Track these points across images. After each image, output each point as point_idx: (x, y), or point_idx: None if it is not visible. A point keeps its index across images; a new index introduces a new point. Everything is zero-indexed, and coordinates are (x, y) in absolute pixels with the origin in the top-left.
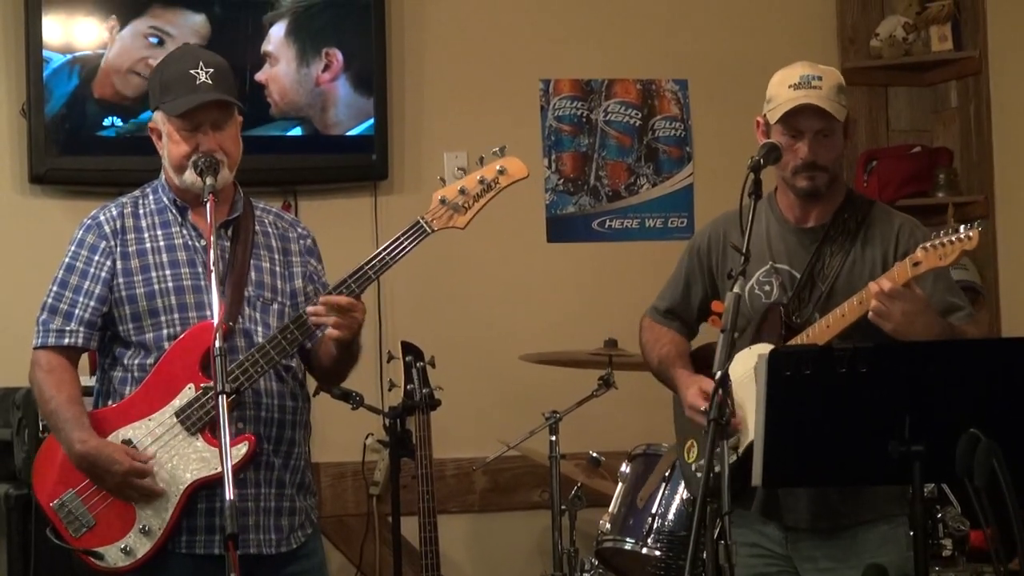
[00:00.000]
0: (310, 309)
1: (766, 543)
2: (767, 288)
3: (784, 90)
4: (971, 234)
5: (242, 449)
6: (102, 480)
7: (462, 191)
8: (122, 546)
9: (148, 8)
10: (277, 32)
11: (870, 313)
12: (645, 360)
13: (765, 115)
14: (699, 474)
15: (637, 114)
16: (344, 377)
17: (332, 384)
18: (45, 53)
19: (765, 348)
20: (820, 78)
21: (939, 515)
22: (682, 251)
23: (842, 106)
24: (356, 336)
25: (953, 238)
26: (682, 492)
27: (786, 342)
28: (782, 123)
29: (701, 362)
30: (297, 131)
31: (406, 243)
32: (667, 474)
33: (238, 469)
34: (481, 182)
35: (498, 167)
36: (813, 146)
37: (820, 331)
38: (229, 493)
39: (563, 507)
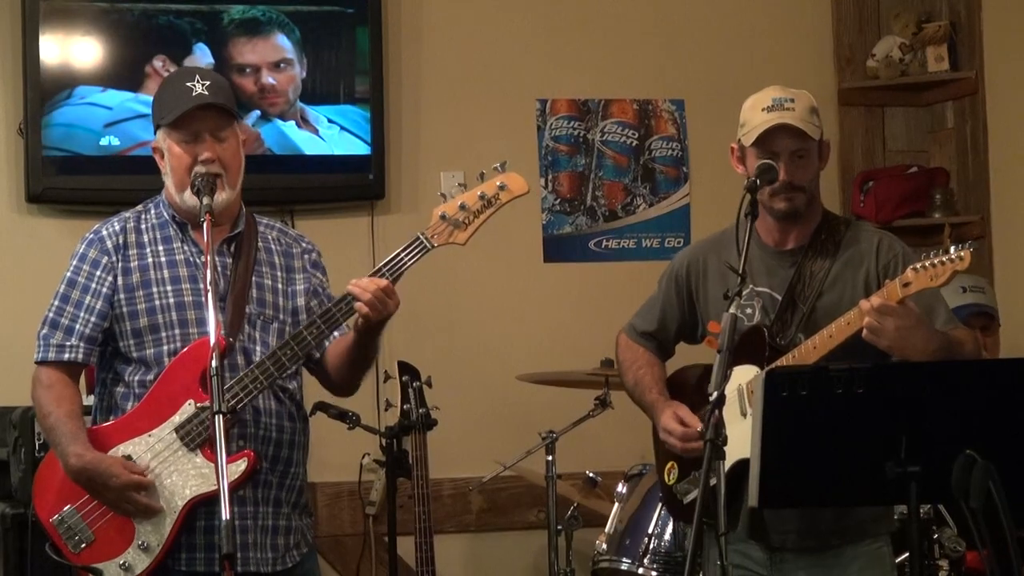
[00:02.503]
0: (353, 281)
1: (750, 564)
2: (748, 311)
3: (757, 114)
4: (963, 255)
5: (241, 466)
6: (100, 494)
7: (462, 207)
8: (121, 562)
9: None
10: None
11: (864, 331)
12: (620, 378)
13: (739, 140)
14: (679, 496)
15: (634, 134)
16: (356, 385)
17: (345, 395)
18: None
19: (748, 370)
20: (792, 100)
21: (935, 536)
22: (660, 274)
23: (816, 126)
24: (380, 328)
25: (944, 259)
26: None
27: (770, 364)
28: (757, 146)
29: (676, 388)
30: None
31: (406, 259)
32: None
33: (237, 485)
34: (481, 198)
35: (498, 183)
36: (790, 167)
37: (807, 352)
38: (225, 513)
39: (559, 527)
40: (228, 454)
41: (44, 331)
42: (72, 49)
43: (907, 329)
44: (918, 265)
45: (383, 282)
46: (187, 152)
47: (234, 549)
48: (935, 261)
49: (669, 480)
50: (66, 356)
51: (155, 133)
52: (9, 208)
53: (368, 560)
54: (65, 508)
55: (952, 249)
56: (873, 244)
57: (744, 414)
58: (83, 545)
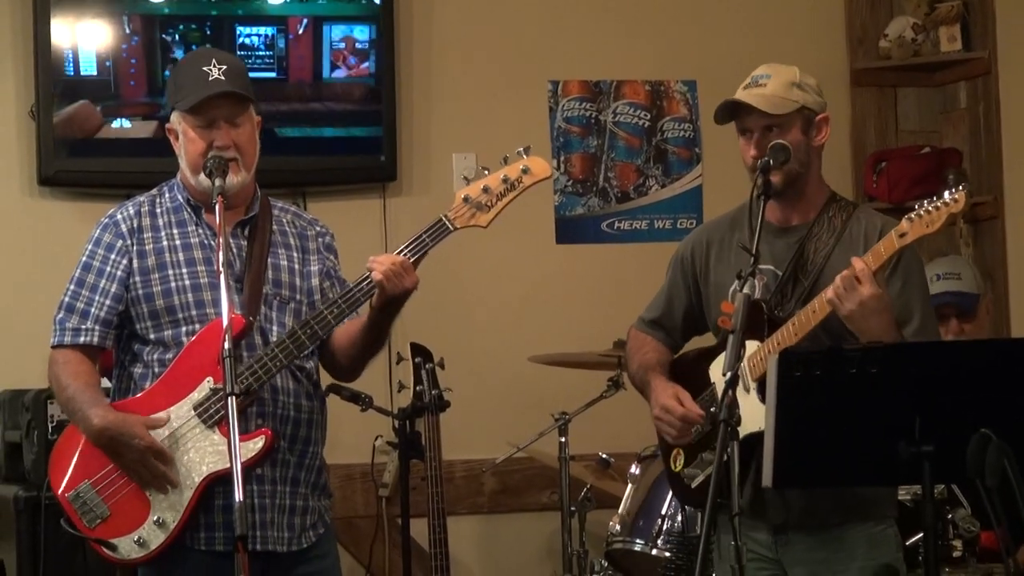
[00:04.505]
0: (372, 257)
1: (756, 547)
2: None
3: (738, 92)
4: (957, 196)
5: (259, 443)
6: (120, 455)
7: (485, 190)
8: (135, 538)
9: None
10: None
11: (830, 290)
12: (627, 368)
13: None
14: (687, 481)
15: (646, 115)
16: (360, 369)
17: (348, 379)
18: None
19: (749, 345)
20: (769, 76)
21: (949, 516)
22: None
23: (792, 100)
24: (397, 307)
25: (939, 203)
26: None
27: (769, 336)
28: (736, 124)
29: (680, 369)
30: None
31: (428, 240)
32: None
33: (254, 463)
34: (504, 181)
35: (521, 167)
36: (761, 143)
37: (806, 317)
38: (239, 493)
39: (572, 508)
40: (246, 432)
41: (60, 315)
42: (84, 30)
43: (870, 311)
44: (912, 215)
45: (400, 258)
46: (202, 137)
47: (247, 530)
48: (929, 207)
49: (676, 467)
50: (82, 339)
51: (169, 114)
52: (21, 191)
53: (381, 542)
54: (81, 484)
55: (947, 193)
56: (877, 228)
57: (747, 390)
58: (98, 521)
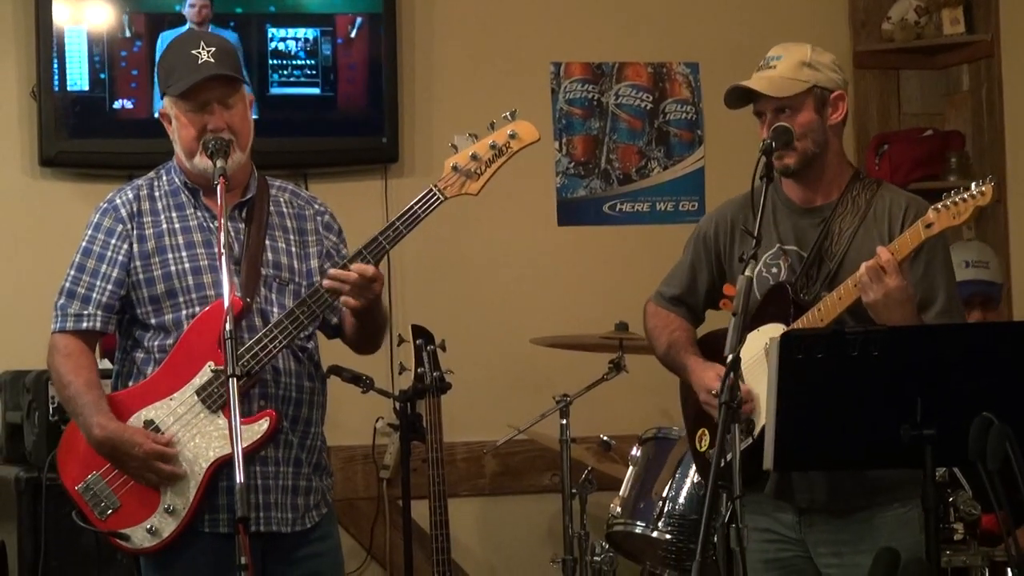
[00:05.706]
0: (331, 272)
1: (779, 528)
2: (775, 270)
3: (753, 75)
4: (984, 189)
5: (263, 425)
6: (123, 464)
7: (474, 157)
8: (148, 527)
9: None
10: None
11: (856, 277)
12: (651, 345)
13: None
14: (711, 461)
15: (648, 97)
16: (377, 345)
17: (367, 352)
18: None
19: (774, 328)
20: (779, 57)
21: (950, 499)
22: (688, 236)
23: (800, 81)
24: (373, 306)
25: (966, 195)
26: (692, 476)
27: (795, 320)
28: (752, 108)
29: (708, 349)
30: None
31: (419, 211)
32: (678, 458)
33: (260, 445)
34: (492, 147)
35: (509, 131)
36: (772, 125)
37: (832, 304)
38: (240, 476)
39: (574, 491)
40: (250, 414)
41: (61, 301)
42: (86, 9)
43: (894, 302)
44: (939, 205)
45: (347, 274)
46: (194, 122)
47: (248, 512)
48: (956, 199)
49: (701, 447)
50: (84, 325)
51: (161, 99)
52: (23, 172)
53: (382, 523)
54: (90, 475)
55: (974, 185)
56: (902, 207)
57: None
58: (109, 511)
